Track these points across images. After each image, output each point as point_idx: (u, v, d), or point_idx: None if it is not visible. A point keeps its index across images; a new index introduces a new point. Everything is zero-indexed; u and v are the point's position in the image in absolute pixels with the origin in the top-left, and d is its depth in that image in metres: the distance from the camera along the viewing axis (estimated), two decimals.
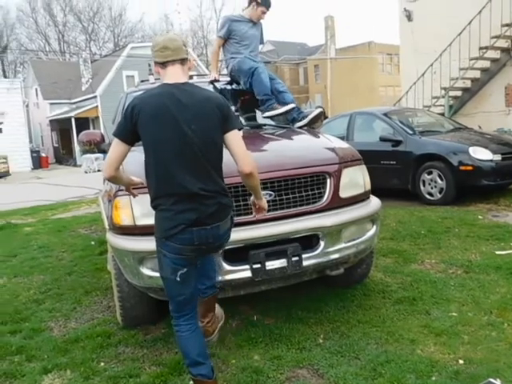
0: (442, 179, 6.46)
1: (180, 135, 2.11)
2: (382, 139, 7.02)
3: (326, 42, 35.07)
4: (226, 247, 2.46)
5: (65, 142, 27.91)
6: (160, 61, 2.22)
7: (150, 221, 2.27)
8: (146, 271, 2.71)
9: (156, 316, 3.25)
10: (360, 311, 3.27)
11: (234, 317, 3.26)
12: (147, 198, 2.25)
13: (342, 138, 5.13)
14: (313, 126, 4.07)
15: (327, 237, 2.91)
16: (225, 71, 4.79)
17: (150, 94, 2.21)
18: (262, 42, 4.50)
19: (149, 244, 2.40)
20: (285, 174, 2.89)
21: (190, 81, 2.31)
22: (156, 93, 2.19)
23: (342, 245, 2.99)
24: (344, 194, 3.08)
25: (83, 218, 7.72)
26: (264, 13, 4.25)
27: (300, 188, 2.95)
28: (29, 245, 5.97)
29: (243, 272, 2.76)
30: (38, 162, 23.96)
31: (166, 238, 2.14)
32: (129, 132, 2.17)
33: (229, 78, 4.40)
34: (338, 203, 3.04)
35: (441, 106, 10.14)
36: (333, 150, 3.25)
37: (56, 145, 29.44)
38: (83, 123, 24.20)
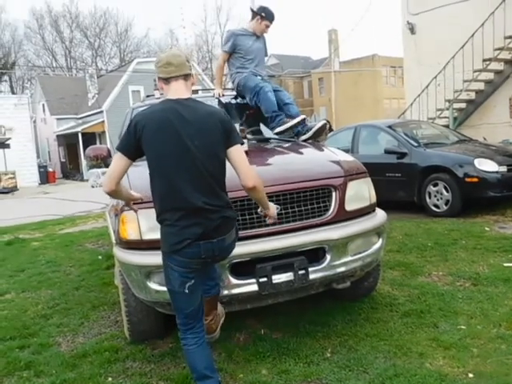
0: (447, 191, 6.44)
1: (183, 150, 2.15)
2: (387, 152, 7.03)
3: (329, 55, 35.39)
4: (233, 261, 2.46)
5: (72, 156, 28.15)
6: (163, 76, 2.26)
7: (157, 235, 2.29)
8: (153, 285, 2.72)
9: (163, 330, 3.25)
10: (368, 324, 3.26)
11: (241, 331, 3.25)
12: (153, 212, 2.27)
13: (346, 151, 5.17)
14: (317, 139, 4.10)
15: (333, 250, 2.92)
16: (229, 85, 4.85)
17: (153, 109, 2.25)
18: (266, 55, 4.55)
19: (156, 258, 2.42)
20: (290, 188, 2.90)
21: (195, 95, 2.34)
22: (159, 108, 2.23)
23: (349, 258, 2.99)
24: (349, 206, 3.08)
25: (90, 232, 7.76)
26: (268, 26, 4.30)
27: (306, 201, 2.96)
28: (36, 260, 5.99)
29: (250, 286, 2.76)
30: (46, 177, 24.12)
31: (173, 252, 2.17)
32: (132, 147, 2.20)
33: (233, 93, 4.45)
34: (343, 216, 3.05)
35: (445, 117, 10.16)
36: (338, 163, 3.27)
37: (63, 160, 29.69)
38: (90, 138, 24.43)
